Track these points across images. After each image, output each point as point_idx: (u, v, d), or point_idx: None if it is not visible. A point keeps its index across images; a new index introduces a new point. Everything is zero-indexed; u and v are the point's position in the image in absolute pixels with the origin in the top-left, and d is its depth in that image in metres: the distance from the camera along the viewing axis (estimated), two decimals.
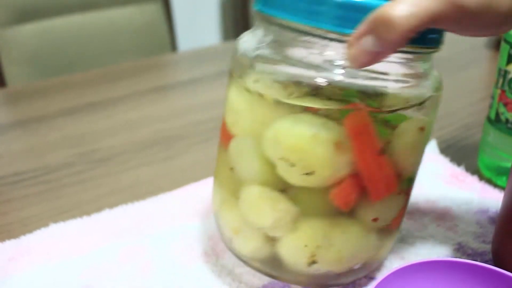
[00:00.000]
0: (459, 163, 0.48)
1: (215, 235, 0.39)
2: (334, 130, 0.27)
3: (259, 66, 0.29)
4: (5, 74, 0.99)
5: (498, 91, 0.42)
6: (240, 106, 0.30)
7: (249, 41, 0.30)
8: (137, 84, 0.70)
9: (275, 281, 0.34)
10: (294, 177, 0.28)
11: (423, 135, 0.30)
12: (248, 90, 0.29)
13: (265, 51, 0.29)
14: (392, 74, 0.28)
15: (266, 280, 0.34)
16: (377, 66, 0.26)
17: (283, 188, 0.29)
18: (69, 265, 0.36)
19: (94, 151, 0.52)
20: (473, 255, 0.37)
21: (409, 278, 0.29)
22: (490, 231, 0.39)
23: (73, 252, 0.37)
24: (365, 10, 0.24)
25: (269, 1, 0.28)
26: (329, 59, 0.27)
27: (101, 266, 0.36)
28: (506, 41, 0.41)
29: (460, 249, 0.37)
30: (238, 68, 0.30)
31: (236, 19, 1.92)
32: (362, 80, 0.27)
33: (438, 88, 0.30)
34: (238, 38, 0.31)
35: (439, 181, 0.45)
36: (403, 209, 0.33)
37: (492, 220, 0.40)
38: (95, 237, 0.39)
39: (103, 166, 0.50)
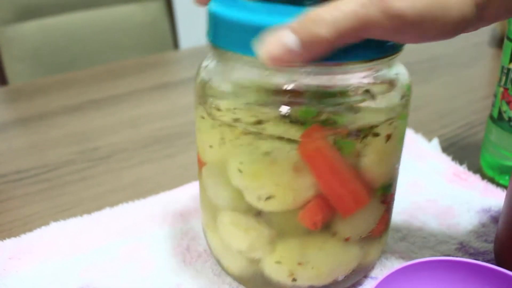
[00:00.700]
0: (461, 162, 0.47)
1: None
2: (292, 154, 0.27)
3: (216, 93, 0.29)
4: (6, 72, 0.99)
5: (501, 89, 0.42)
6: (205, 133, 0.30)
7: (206, 68, 0.30)
8: (139, 81, 0.70)
9: None
10: (258, 203, 0.29)
11: (392, 142, 0.29)
12: (210, 118, 0.29)
13: (218, 78, 0.29)
14: (356, 87, 0.27)
15: None
16: (340, 81, 0.26)
17: (257, 212, 0.29)
18: (69, 264, 0.36)
19: (95, 149, 0.52)
20: (475, 255, 0.36)
21: (410, 277, 0.29)
22: (493, 230, 0.39)
23: (73, 250, 0.37)
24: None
25: (214, 33, 0.28)
26: (277, 83, 0.27)
27: (101, 264, 0.36)
28: (509, 39, 0.41)
29: (462, 249, 0.37)
30: (198, 96, 0.30)
31: None
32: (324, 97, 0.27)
33: (405, 94, 0.29)
34: (200, 65, 0.31)
35: (441, 179, 0.45)
36: (384, 216, 0.32)
37: (494, 219, 0.40)
38: (96, 236, 0.39)
39: (104, 164, 0.49)
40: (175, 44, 1.20)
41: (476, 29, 0.25)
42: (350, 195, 0.29)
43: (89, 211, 0.41)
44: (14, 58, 0.99)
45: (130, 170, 0.48)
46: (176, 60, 0.86)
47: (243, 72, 0.28)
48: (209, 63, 0.30)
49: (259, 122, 0.27)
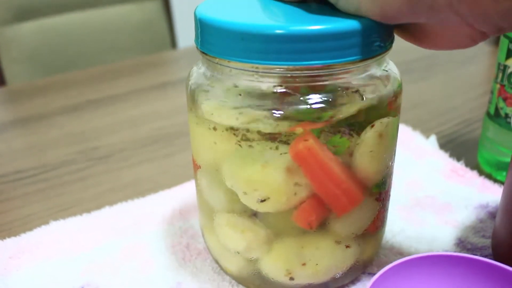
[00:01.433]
0: (459, 158, 0.47)
1: None
2: (284, 156, 0.27)
3: (207, 98, 0.29)
4: (5, 73, 0.99)
5: (498, 86, 0.42)
6: (198, 137, 0.30)
7: (196, 73, 0.30)
8: (137, 81, 0.70)
9: None
10: (253, 205, 0.29)
11: (384, 139, 0.29)
12: (202, 121, 0.29)
13: (208, 83, 0.29)
14: (345, 87, 0.27)
15: None
16: (329, 82, 0.26)
17: (253, 213, 0.29)
18: (69, 263, 0.36)
19: (95, 148, 0.52)
20: (473, 250, 0.37)
21: (408, 272, 0.29)
22: (490, 226, 0.39)
23: (74, 249, 0.37)
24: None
25: (201, 40, 0.28)
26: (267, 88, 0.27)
27: (101, 263, 0.36)
28: (506, 36, 0.41)
29: (460, 244, 0.37)
30: (190, 100, 0.30)
31: None
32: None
33: (396, 91, 0.29)
34: (190, 71, 0.31)
35: (439, 176, 0.45)
36: (380, 213, 0.32)
37: (492, 215, 0.40)
38: (95, 234, 0.39)
39: (104, 164, 0.50)
40: (173, 43, 1.20)
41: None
42: (344, 194, 0.29)
43: (88, 210, 0.42)
44: (12, 59, 1.00)
45: (129, 170, 0.48)
46: (174, 60, 0.86)
47: (232, 77, 0.28)
48: (199, 68, 0.30)
49: (250, 126, 0.27)
